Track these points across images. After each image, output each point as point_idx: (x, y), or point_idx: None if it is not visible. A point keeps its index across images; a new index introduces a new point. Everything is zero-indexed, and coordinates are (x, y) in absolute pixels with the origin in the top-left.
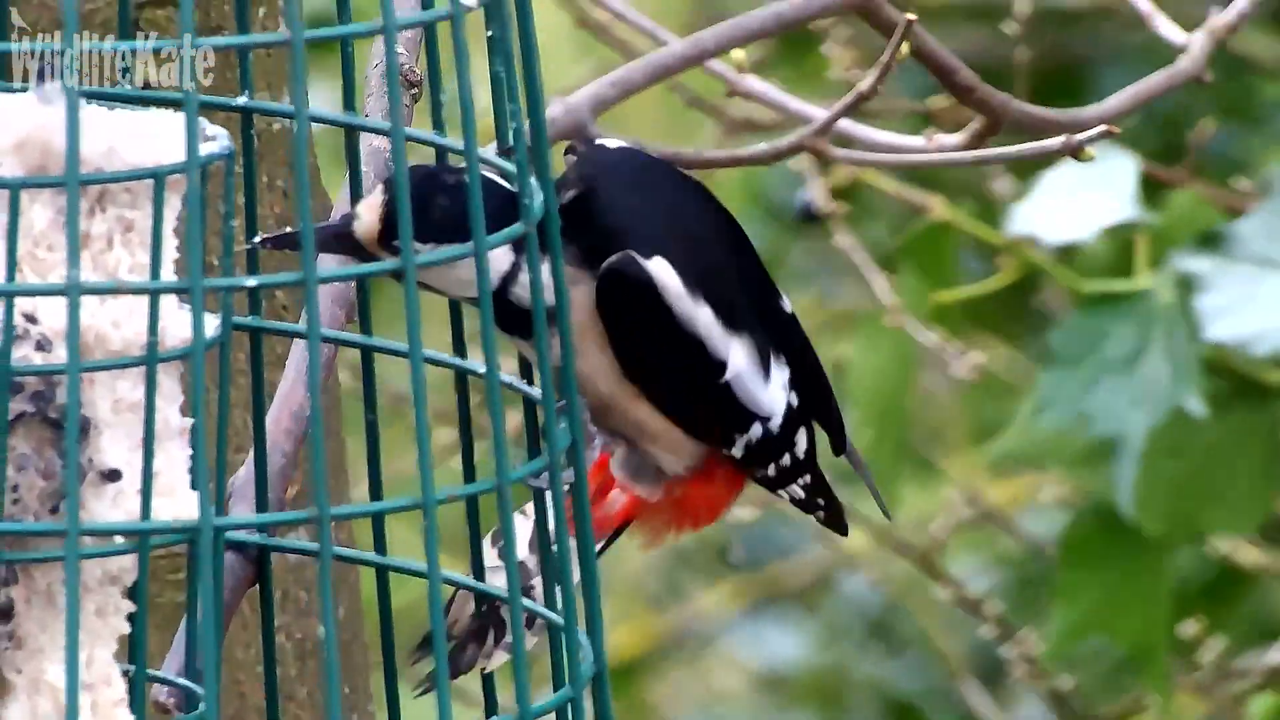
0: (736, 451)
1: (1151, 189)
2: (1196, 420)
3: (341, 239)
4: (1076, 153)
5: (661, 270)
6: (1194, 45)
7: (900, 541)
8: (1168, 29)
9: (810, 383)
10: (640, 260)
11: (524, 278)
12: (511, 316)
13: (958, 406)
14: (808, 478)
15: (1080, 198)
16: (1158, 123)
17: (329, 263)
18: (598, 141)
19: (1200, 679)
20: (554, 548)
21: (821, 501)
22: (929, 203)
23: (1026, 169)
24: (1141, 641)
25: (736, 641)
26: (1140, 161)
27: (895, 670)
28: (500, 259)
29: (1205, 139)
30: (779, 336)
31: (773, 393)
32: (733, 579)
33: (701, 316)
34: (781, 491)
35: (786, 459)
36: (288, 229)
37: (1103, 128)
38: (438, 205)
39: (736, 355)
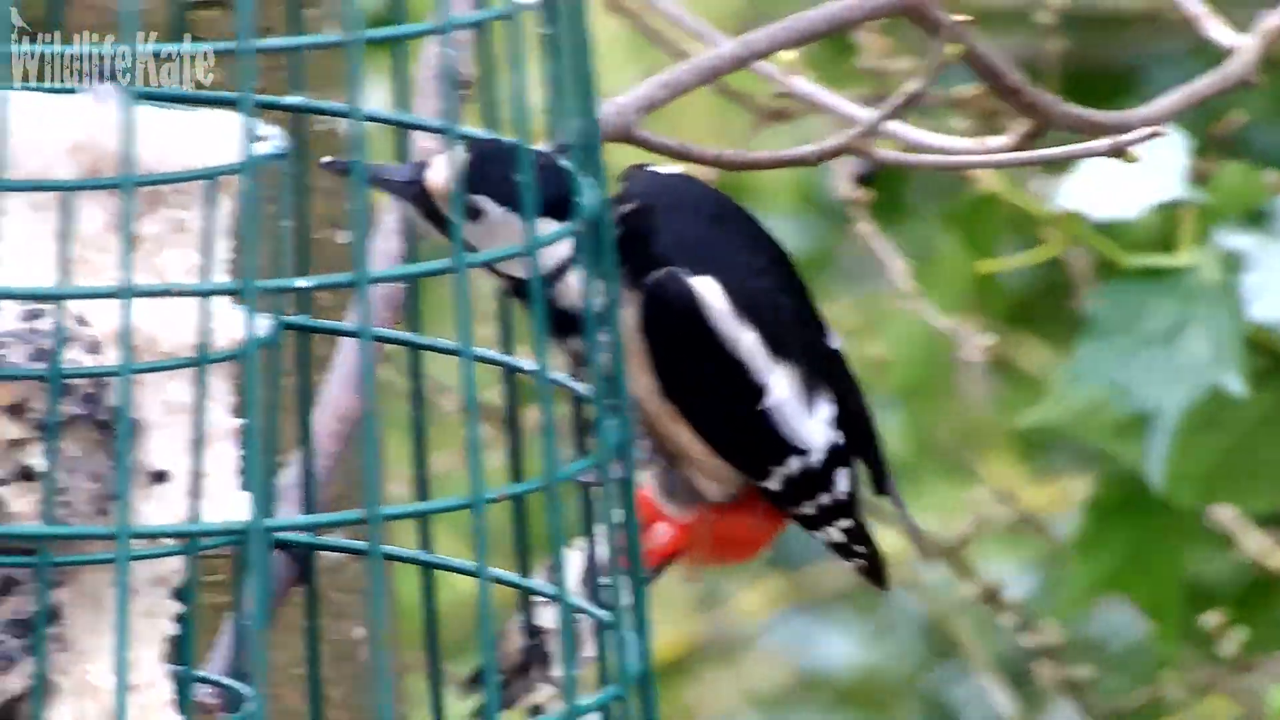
0: (773, 484)
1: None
2: (1232, 397)
3: (410, 187)
4: (1122, 155)
5: (706, 288)
6: (1244, 48)
7: (928, 539)
8: (1217, 31)
9: (855, 422)
10: (685, 277)
11: (570, 278)
12: (558, 315)
13: (995, 409)
14: (848, 522)
15: (1128, 175)
16: (1207, 115)
17: (379, 263)
18: (649, 168)
19: (1217, 674)
20: (597, 547)
21: (862, 550)
22: (976, 173)
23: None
24: (1159, 601)
25: (776, 641)
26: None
27: (938, 673)
28: (558, 251)
29: (1231, 129)
30: (826, 372)
31: (814, 427)
32: (770, 579)
33: (745, 340)
34: (819, 534)
35: (826, 498)
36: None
37: (1149, 130)
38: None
39: (779, 383)
